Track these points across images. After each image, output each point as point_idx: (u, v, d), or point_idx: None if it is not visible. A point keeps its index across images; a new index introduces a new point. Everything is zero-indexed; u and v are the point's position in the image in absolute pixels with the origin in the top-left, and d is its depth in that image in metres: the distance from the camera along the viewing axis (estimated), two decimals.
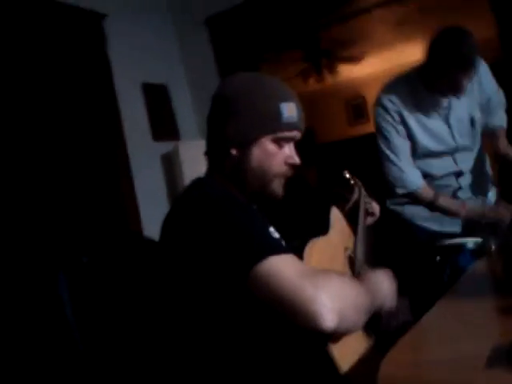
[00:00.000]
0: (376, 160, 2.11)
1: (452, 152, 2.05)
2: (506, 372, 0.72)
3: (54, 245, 2.24)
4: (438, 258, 1.87)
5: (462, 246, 1.86)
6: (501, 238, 1.06)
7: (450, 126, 2.02)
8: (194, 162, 2.83)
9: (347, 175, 1.64)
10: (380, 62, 6.03)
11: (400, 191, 2.04)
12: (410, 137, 2.02)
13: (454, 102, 1.98)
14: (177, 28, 3.28)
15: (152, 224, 2.71)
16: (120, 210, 2.69)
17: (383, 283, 1.10)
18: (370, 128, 6.49)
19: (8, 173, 2.21)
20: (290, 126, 1.09)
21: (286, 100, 1.09)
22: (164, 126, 3.09)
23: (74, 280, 1.17)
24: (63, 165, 2.46)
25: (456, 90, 1.86)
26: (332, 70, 5.28)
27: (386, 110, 2.02)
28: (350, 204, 1.55)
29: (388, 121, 2.02)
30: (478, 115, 2.04)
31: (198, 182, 1.16)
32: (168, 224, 1.08)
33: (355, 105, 6.72)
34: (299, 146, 1.25)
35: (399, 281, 1.17)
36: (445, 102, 1.98)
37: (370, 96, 6.64)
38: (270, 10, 3.08)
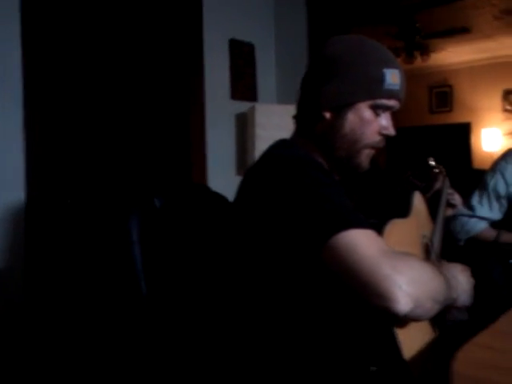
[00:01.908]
0: (452, 151, 1.98)
1: None
2: None
3: (127, 186, 2.30)
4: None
5: None
6: None
7: None
8: (268, 126, 2.80)
9: (432, 162, 1.57)
10: (475, 52, 5.69)
11: (463, 237, 2.01)
12: None
13: None
14: None
15: (216, 180, 2.73)
16: (188, 162, 2.72)
17: (461, 278, 1.04)
18: (451, 118, 6.32)
19: (96, 116, 2.29)
20: (391, 94, 1.04)
21: (390, 66, 1.04)
22: (244, 85, 3.07)
23: (144, 222, 1.18)
24: (140, 109, 2.51)
25: None
26: (424, 51, 5.02)
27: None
28: (432, 191, 1.48)
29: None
30: None
31: (281, 143, 1.12)
32: (246, 183, 1.05)
33: (440, 92, 6.42)
34: None
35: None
36: None
37: (458, 85, 6.33)
38: None
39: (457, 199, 1.50)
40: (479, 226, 2.00)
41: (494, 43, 5.41)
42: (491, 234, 1.99)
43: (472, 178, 2.28)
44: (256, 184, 1.00)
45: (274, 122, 2.81)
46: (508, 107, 6.02)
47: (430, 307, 0.88)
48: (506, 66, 5.84)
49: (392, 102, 1.06)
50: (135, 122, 2.49)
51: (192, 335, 1.16)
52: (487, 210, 2.01)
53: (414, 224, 1.15)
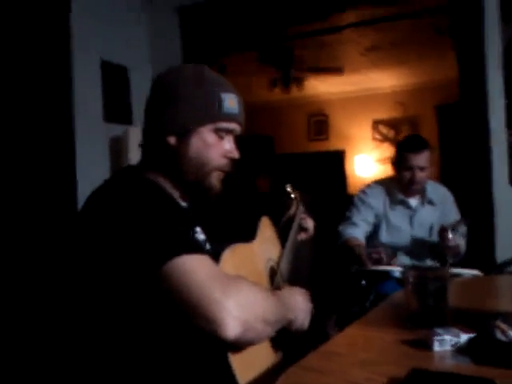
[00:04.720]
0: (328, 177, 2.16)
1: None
2: None
3: None
4: (364, 282, 1.90)
5: (388, 273, 1.90)
6: (418, 271, 1.07)
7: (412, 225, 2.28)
8: None
9: (288, 189, 1.64)
10: (347, 84, 6.12)
11: (338, 242, 2.28)
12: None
13: (419, 207, 2.29)
14: (148, 11, 3.21)
15: None
16: (55, 187, 2.58)
17: (297, 301, 1.08)
18: (328, 145, 6.69)
19: None
20: (230, 117, 1.08)
21: (226, 91, 1.08)
22: (118, 108, 3.01)
23: None
24: (4, 130, 2.34)
25: (411, 176, 2.17)
26: (299, 82, 5.30)
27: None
28: (285, 218, 1.54)
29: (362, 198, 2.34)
30: (435, 227, 2.24)
31: (123, 171, 1.12)
32: (88, 210, 1.02)
33: (317, 121, 6.79)
34: (258, 154, 1.21)
35: (328, 299, 1.16)
36: (412, 203, 2.30)
37: (333, 115, 6.74)
38: (246, 10, 3.07)
39: (309, 223, 1.57)
40: (348, 232, 2.25)
41: (363, 77, 5.87)
42: (356, 243, 2.20)
43: (346, 202, 2.45)
44: (98, 211, 0.98)
45: None
46: (377, 136, 6.54)
47: (262, 329, 0.91)
48: (374, 98, 6.36)
49: (233, 125, 1.09)
50: None
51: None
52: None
53: (259, 248, 1.18)
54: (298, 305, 1.08)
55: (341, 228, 2.30)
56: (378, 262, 1.99)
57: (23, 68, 2.45)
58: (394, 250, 2.21)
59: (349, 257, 2.18)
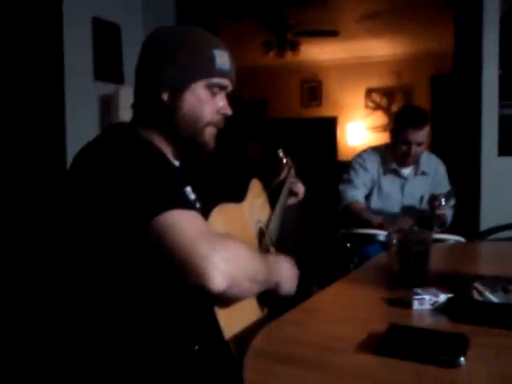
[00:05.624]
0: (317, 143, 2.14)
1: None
2: (374, 357, 0.75)
3: None
4: (349, 245, 1.94)
5: (372, 237, 1.94)
6: (402, 233, 1.10)
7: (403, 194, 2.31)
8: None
9: (280, 154, 1.64)
10: (342, 51, 6.05)
11: (340, 203, 2.29)
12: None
13: (411, 177, 2.32)
14: None
15: None
16: (44, 144, 2.56)
17: (284, 267, 1.11)
18: (320, 112, 6.68)
19: None
20: (223, 73, 1.08)
21: (218, 48, 1.08)
22: (109, 66, 2.97)
23: None
24: None
25: (408, 150, 2.17)
26: (294, 47, 5.23)
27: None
28: (276, 182, 1.55)
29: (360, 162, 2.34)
30: (425, 197, 2.24)
31: (115, 128, 1.12)
32: (78, 165, 1.03)
33: (310, 87, 6.75)
34: (251, 117, 1.21)
35: (313, 261, 1.18)
36: (405, 173, 2.31)
37: (326, 81, 6.70)
38: None
39: (299, 188, 1.59)
40: (350, 194, 2.27)
41: (358, 44, 5.80)
42: (360, 206, 2.23)
43: (336, 169, 2.47)
44: (89, 167, 0.99)
45: None
46: (370, 104, 6.53)
47: (248, 287, 0.94)
48: (368, 65, 6.31)
49: (225, 82, 1.10)
50: None
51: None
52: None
53: (247, 209, 1.20)
54: (284, 271, 1.10)
55: (342, 188, 2.30)
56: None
57: (13, 25, 2.39)
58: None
59: (352, 220, 2.20)
